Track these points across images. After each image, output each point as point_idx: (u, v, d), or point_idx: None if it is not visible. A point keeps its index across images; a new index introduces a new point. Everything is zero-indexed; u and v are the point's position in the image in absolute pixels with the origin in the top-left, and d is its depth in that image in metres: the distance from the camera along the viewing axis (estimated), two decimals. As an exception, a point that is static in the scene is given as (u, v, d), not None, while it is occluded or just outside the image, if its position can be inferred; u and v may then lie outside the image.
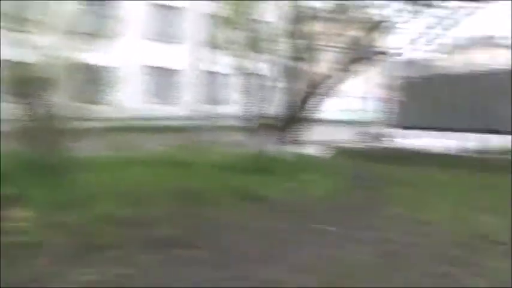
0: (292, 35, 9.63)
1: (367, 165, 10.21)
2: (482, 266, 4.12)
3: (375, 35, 9.83)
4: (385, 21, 9.65)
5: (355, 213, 6.16)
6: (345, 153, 12.04)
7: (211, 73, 25.80)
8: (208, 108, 18.24)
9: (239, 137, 10.41)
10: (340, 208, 6.37)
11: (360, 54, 9.85)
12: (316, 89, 9.71)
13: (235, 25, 9.75)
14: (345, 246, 4.60)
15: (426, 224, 5.44)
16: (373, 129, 15.33)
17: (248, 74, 9.85)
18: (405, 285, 3.70)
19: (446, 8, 9.27)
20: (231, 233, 4.98)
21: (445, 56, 13.88)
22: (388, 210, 6.16)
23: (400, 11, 9.47)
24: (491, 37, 42.92)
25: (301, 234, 5.09)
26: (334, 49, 9.88)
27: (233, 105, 13.30)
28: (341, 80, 9.86)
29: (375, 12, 9.84)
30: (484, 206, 6.17)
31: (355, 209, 6.37)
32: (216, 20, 11.78)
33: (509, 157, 9.72)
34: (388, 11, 9.69)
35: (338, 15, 9.87)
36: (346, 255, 4.33)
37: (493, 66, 11.60)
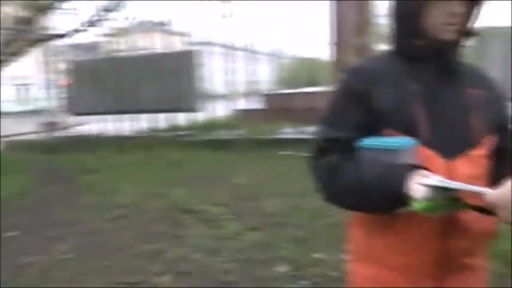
0: None
1: (49, 157, 9.54)
2: (184, 235, 4.37)
3: (42, 16, 9.10)
4: (53, 3, 9.03)
5: (48, 209, 5.67)
6: (23, 147, 10.95)
7: None
8: None
9: None
10: (30, 207, 5.77)
11: (27, 37, 8.98)
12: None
13: None
14: (42, 249, 4.17)
15: (124, 207, 5.42)
16: (50, 118, 14.43)
17: None
18: (116, 271, 3.61)
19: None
20: None
21: (114, 39, 14.02)
22: (82, 201, 5.89)
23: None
24: (153, 22, 45.92)
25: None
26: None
27: None
28: (6, 65, 8.80)
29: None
30: (174, 180, 6.55)
31: (47, 205, 5.86)
32: None
33: (191, 133, 10.60)
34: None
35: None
36: (46, 258, 3.93)
37: (158, 50, 12.27)
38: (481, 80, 1.36)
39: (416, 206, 1.04)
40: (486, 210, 1.01)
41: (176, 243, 4.16)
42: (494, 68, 1.42)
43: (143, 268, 3.67)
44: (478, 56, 7.19)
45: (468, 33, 1.28)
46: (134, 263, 3.79)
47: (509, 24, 8.02)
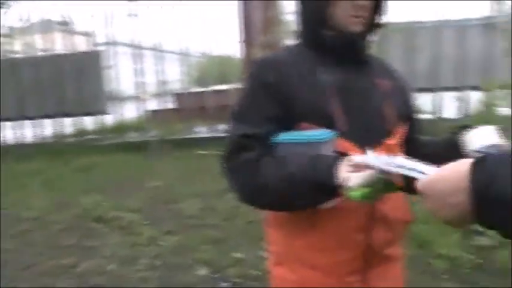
0: None
1: None
2: (97, 246, 4.14)
3: None
4: None
5: None
6: None
7: None
8: None
9: None
10: None
11: None
12: None
13: None
14: None
15: (29, 220, 5.03)
16: None
17: None
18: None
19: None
20: None
21: (9, 39, 13.07)
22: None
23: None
24: (54, 21, 43.58)
25: None
26: None
27: None
28: None
29: None
30: (83, 187, 6.20)
31: None
32: None
33: (100, 136, 10.13)
34: None
35: None
36: None
37: (60, 50, 11.58)
38: (387, 71, 1.39)
39: (352, 194, 0.98)
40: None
41: (88, 255, 3.93)
42: (395, 63, 1.46)
43: (52, 286, 3.42)
44: (380, 50, 7.54)
45: (375, 26, 1.29)
46: (43, 280, 3.53)
47: (411, 20, 8.51)
